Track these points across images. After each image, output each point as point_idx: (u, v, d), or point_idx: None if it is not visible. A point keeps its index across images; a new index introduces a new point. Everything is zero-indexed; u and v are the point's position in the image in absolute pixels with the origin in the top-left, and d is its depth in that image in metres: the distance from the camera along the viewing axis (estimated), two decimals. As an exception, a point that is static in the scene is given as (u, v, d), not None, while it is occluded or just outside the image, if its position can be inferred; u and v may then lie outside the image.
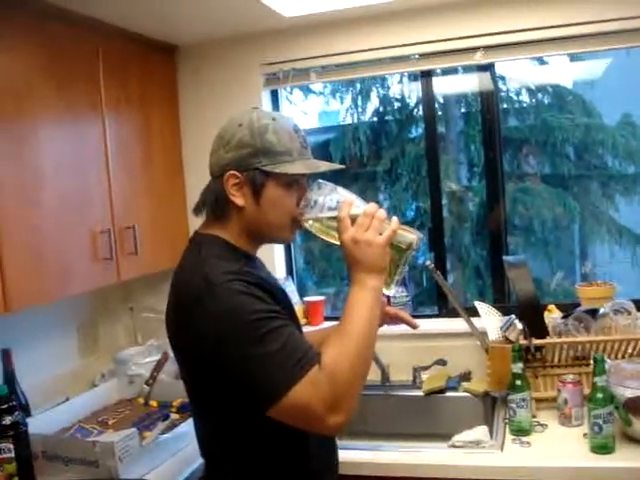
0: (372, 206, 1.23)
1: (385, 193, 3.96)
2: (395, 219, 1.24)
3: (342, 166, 1.38)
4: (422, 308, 3.46)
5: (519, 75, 3.68)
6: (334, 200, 1.26)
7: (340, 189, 1.27)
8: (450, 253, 3.69)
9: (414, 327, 1.58)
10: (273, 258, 2.76)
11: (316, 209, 1.26)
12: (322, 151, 3.86)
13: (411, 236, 1.24)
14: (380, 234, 1.20)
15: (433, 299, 2.87)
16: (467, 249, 3.79)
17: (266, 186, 1.25)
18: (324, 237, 1.30)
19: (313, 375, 1.12)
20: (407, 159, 3.83)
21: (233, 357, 1.12)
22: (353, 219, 1.21)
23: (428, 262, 2.33)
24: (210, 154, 1.31)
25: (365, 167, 3.95)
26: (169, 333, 1.29)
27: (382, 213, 1.22)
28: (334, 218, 1.23)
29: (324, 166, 1.30)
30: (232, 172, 1.25)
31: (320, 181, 1.28)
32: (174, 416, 2.19)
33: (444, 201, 2.83)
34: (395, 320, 1.61)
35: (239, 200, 1.26)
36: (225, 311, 1.13)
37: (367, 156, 3.91)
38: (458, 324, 2.50)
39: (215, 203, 1.28)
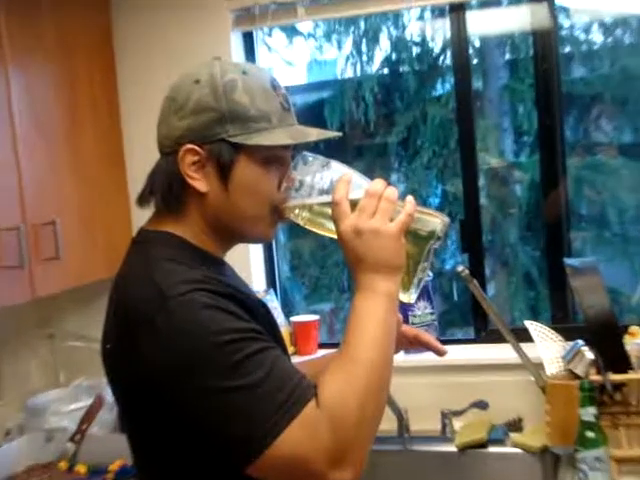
0: (378, 183, 1.26)
1: (400, 173, 3.99)
2: (411, 199, 1.27)
3: (339, 133, 1.41)
4: (452, 330, 3.59)
5: (588, 4, 3.54)
6: (326, 179, 1.30)
7: (334, 163, 1.31)
8: (490, 255, 3.74)
9: (441, 354, 1.64)
10: (248, 264, 2.86)
11: (303, 193, 1.31)
12: (313, 116, 3.86)
13: (434, 220, 1.28)
14: (391, 220, 1.23)
15: (467, 318, 2.92)
16: (514, 249, 3.83)
17: (236, 164, 1.29)
18: (316, 230, 1.34)
19: (309, 416, 1.15)
20: (430, 126, 3.84)
21: (198, 394, 1.15)
22: (354, 204, 1.24)
23: (460, 267, 2.38)
24: (158, 124, 1.35)
25: (372, 138, 3.97)
26: (106, 367, 1.32)
27: (392, 192, 1.25)
28: (328, 203, 1.27)
29: (314, 134, 1.34)
30: (189, 146, 1.28)
31: (307, 154, 1.33)
32: None
33: (481, 183, 2.85)
34: (415, 345, 1.66)
35: (200, 184, 1.30)
36: (185, 332, 1.15)
37: (375, 122, 3.93)
38: (503, 352, 2.57)
39: (167, 190, 1.32)
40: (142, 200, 1.37)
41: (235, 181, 1.30)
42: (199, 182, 1.30)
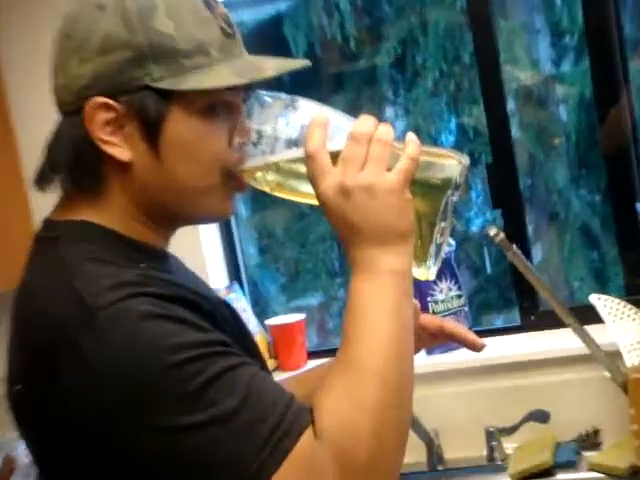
0: (364, 122, 1.22)
1: (397, 105, 3.97)
2: (413, 138, 1.22)
3: (306, 62, 1.37)
4: (490, 316, 3.57)
5: None
6: (294, 124, 1.27)
7: (302, 102, 1.29)
8: (532, 207, 3.69)
9: (478, 349, 1.59)
10: (200, 253, 2.89)
11: (264, 147, 1.28)
12: (268, 37, 3.84)
13: (448, 162, 1.24)
14: (388, 170, 1.20)
15: (509, 297, 2.95)
16: (564, 196, 3.79)
17: (168, 118, 1.26)
18: (288, 195, 1.33)
19: (305, 452, 1.11)
20: (433, 37, 3.79)
21: (147, 439, 1.11)
22: (335, 155, 1.21)
23: (492, 229, 2.34)
24: (53, 72, 1.32)
25: (355, 61, 3.92)
26: (17, 416, 1.27)
27: (386, 132, 1.21)
28: (300, 158, 1.24)
29: (272, 67, 1.30)
30: (99, 100, 1.24)
31: (262, 94, 1.30)
32: None
33: (510, 108, 2.89)
34: (441, 341, 1.65)
35: (120, 151, 1.26)
36: (122, 354, 1.12)
37: (356, 39, 3.84)
38: (562, 341, 2.56)
39: (75, 163, 1.28)
40: (41, 180, 1.33)
41: (168, 142, 1.28)
42: (118, 148, 1.27)
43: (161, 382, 1.12)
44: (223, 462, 1.11)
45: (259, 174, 1.30)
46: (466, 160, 1.24)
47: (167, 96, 1.25)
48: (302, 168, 1.24)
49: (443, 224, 1.26)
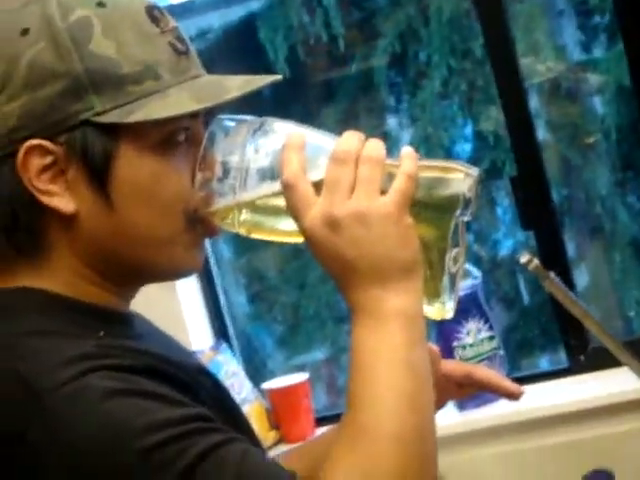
0: (348, 138, 1.06)
1: (400, 113, 3.74)
2: (409, 152, 1.07)
3: (275, 77, 1.21)
4: (530, 358, 3.37)
5: None
6: (264, 150, 1.13)
7: (272, 123, 1.14)
8: (570, 220, 3.49)
9: (515, 397, 1.45)
10: (177, 308, 2.76)
11: (232, 182, 1.14)
12: (243, 44, 3.65)
13: (454, 176, 1.10)
14: (382, 192, 1.06)
15: (551, 334, 2.92)
16: (606, 205, 3.48)
17: (117, 157, 1.12)
18: (268, 236, 1.20)
19: None
20: (436, 28, 3.52)
21: None
22: (318, 183, 1.08)
23: (525, 256, 1.97)
24: None
25: (345, 64, 3.69)
26: None
27: (375, 147, 1.07)
28: (277, 192, 1.11)
29: (236, 86, 1.17)
30: (33, 142, 1.09)
31: (223, 118, 1.17)
32: None
33: (534, 105, 2.83)
34: (470, 390, 1.51)
35: (62, 202, 1.12)
36: (84, 444, 0.97)
37: (345, 38, 3.58)
38: (619, 383, 2.36)
39: (10, 220, 1.13)
40: None
41: (119, 186, 1.13)
42: (59, 198, 1.12)
43: (133, 473, 0.99)
44: None
45: (230, 215, 1.18)
46: (475, 171, 1.09)
47: (114, 131, 1.13)
48: (281, 202, 1.12)
49: (455, 250, 1.11)
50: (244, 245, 3.38)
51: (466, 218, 1.09)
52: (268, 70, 3.26)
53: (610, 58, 3.35)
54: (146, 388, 1.04)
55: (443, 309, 1.14)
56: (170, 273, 1.27)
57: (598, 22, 3.50)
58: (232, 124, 1.18)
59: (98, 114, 1.11)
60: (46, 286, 1.16)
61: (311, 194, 1.08)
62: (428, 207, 1.11)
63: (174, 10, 2.79)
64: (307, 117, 3.57)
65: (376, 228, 1.06)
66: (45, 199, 1.12)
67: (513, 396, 1.45)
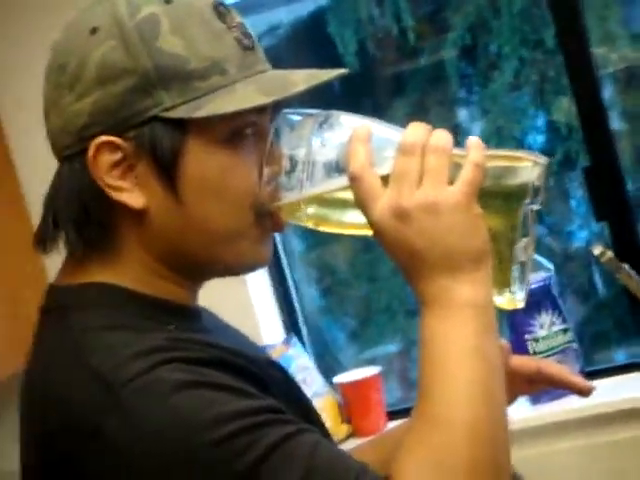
0: (415, 130, 1.09)
1: (471, 105, 3.67)
2: (476, 141, 1.07)
3: (341, 71, 1.21)
4: (605, 352, 3.25)
5: None
6: (330, 144, 1.15)
7: (337, 116, 1.16)
8: None
9: (585, 393, 1.46)
10: (247, 303, 2.76)
11: (299, 175, 1.16)
12: (312, 38, 3.59)
13: (522, 165, 1.12)
14: (450, 183, 1.07)
15: (627, 327, 2.85)
16: None
17: (185, 152, 1.14)
18: (336, 229, 1.22)
19: None
20: (507, 19, 3.41)
21: None
22: (386, 176, 1.09)
23: (598, 248, 2.21)
24: (45, 113, 1.21)
25: (415, 57, 3.60)
26: None
27: (442, 138, 1.08)
28: (344, 185, 1.12)
29: (303, 79, 1.17)
30: (103, 139, 1.12)
31: (288, 115, 1.20)
32: None
33: (609, 95, 2.79)
34: (541, 385, 1.51)
35: (132, 197, 1.15)
36: (157, 435, 1.00)
37: (416, 31, 3.48)
38: None
39: (82, 215, 1.16)
40: (42, 241, 1.21)
41: (188, 180, 1.15)
42: (129, 194, 1.14)
43: (205, 463, 1.01)
44: None
45: (298, 209, 1.20)
46: (543, 160, 1.10)
47: (182, 126, 1.14)
48: (348, 195, 1.14)
49: (525, 240, 1.14)
50: (315, 239, 3.34)
51: (536, 207, 1.10)
52: (338, 64, 3.01)
53: None
54: (215, 380, 1.05)
55: (514, 299, 1.14)
56: (238, 267, 1.26)
57: None
58: (298, 118, 1.19)
59: (166, 110, 1.12)
60: (117, 281, 1.18)
61: (378, 186, 1.08)
62: (497, 196, 1.12)
63: (244, 6, 2.70)
64: (377, 111, 3.51)
65: (445, 218, 1.07)
66: (115, 195, 1.13)
67: (583, 392, 1.44)
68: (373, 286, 3.59)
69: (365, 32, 3.50)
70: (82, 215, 1.17)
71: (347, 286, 3.63)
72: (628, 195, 2.62)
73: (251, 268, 1.28)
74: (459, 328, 1.09)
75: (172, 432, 1.03)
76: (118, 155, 1.14)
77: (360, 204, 1.10)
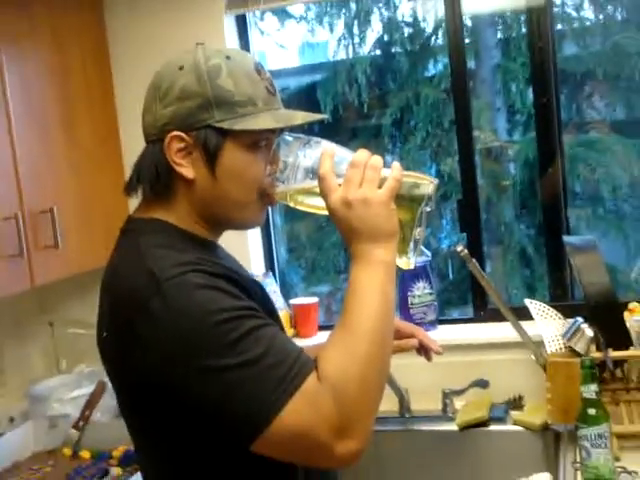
0: (362, 153, 1.26)
1: (394, 154, 4.00)
2: (397, 165, 1.27)
3: (324, 116, 1.44)
4: (450, 309, 3.59)
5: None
6: (309, 156, 1.29)
7: (316, 140, 1.31)
8: (486, 233, 3.68)
9: (429, 357, 1.68)
10: (246, 248, 2.88)
11: (288, 174, 1.31)
12: (306, 98, 3.91)
13: (422, 182, 1.28)
14: (379, 187, 1.24)
15: (465, 297, 2.93)
16: (509, 227, 3.84)
17: (223, 149, 1.30)
18: (308, 209, 1.35)
19: (311, 388, 1.15)
20: (423, 106, 3.83)
21: (197, 375, 1.15)
22: (340, 177, 1.25)
23: (459, 247, 2.39)
24: (143, 112, 1.35)
25: (366, 119, 3.96)
26: (103, 356, 1.33)
27: (377, 160, 1.25)
28: (314, 184, 1.28)
29: (300, 117, 1.34)
30: (175, 133, 1.29)
31: (285, 135, 1.33)
32: (115, 470, 2.26)
33: (476, 161, 2.89)
34: (411, 344, 1.66)
35: (188, 171, 1.30)
36: (181, 314, 1.16)
37: (368, 104, 3.91)
38: (502, 331, 2.60)
39: (155, 178, 1.32)
40: (129, 189, 1.37)
41: (222, 167, 1.30)
42: (186, 169, 1.30)
43: (207, 335, 1.15)
44: (250, 394, 1.14)
45: (285, 196, 1.34)
46: (436, 180, 1.28)
47: (224, 134, 1.29)
48: (316, 189, 1.27)
49: (419, 228, 1.29)
50: (288, 218, 3.57)
51: (428, 209, 1.27)
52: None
53: (523, 141, 3.57)
54: (221, 286, 1.21)
55: (408, 262, 1.31)
56: (242, 225, 1.42)
57: (518, 119, 3.67)
58: (291, 138, 1.32)
59: (217, 122, 1.28)
60: (169, 219, 1.34)
61: (335, 184, 1.24)
62: (406, 199, 1.27)
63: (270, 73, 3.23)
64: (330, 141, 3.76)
65: (373, 209, 1.22)
66: (177, 168, 1.30)
67: (427, 355, 1.66)
68: (319, 251, 3.96)
69: (338, 100, 3.83)
70: (155, 177, 1.32)
71: (303, 250, 4.02)
72: (480, 220, 2.84)
73: (251, 226, 1.45)
74: (373, 275, 1.23)
75: (193, 312, 1.16)
76: (182, 144, 1.29)
77: (323, 195, 1.25)
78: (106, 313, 1.30)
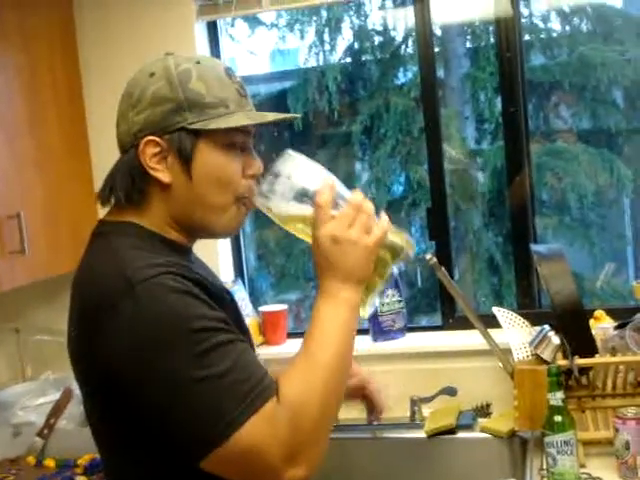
0: (358, 195, 1.29)
1: (364, 161, 4.04)
2: (385, 217, 1.31)
3: (297, 115, 1.49)
4: (419, 317, 3.60)
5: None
6: (306, 178, 1.29)
7: (318, 165, 1.32)
8: (455, 240, 3.76)
9: (371, 419, 1.75)
10: (216, 254, 2.87)
11: (280, 187, 1.29)
12: (276, 104, 3.94)
13: (402, 240, 1.32)
14: (367, 234, 1.27)
15: (433, 304, 2.98)
16: (477, 235, 3.87)
17: (198, 151, 1.31)
18: (288, 228, 1.34)
19: (270, 411, 1.16)
20: (393, 114, 3.89)
21: (161, 381, 1.16)
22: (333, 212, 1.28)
23: (429, 255, 2.38)
24: (117, 121, 1.36)
25: (336, 126, 4.01)
26: (72, 357, 1.31)
27: (371, 206, 1.29)
28: (306, 202, 1.29)
29: (271, 116, 1.36)
30: (149, 138, 1.30)
31: (290, 151, 1.32)
32: (80, 479, 2.24)
33: (445, 169, 2.91)
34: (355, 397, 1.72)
35: (163, 175, 1.31)
36: (151, 317, 1.16)
37: (338, 111, 3.98)
38: (471, 339, 2.59)
39: (130, 184, 1.32)
40: (102, 197, 1.37)
41: (198, 169, 1.31)
42: (162, 173, 1.31)
43: (177, 341, 1.16)
44: (210, 408, 1.14)
45: (269, 204, 1.32)
46: (413, 242, 1.33)
47: (197, 135, 1.31)
48: (306, 212, 1.28)
49: (384, 282, 1.35)
50: (257, 225, 3.61)
51: (395, 269, 1.34)
52: (290, 125, 3.52)
53: (491, 150, 3.65)
54: (195, 292, 1.21)
55: (365, 312, 1.34)
56: (220, 231, 1.41)
57: (486, 128, 3.75)
58: (294, 154, 1.32)
59: (189, 124, 1.30)
60: (142, 223, 1.34)
61: (329, 217, 1.26)
62: (383, 252, 1.31)
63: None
64: (309, 156, 3.79)
65: (357, 252, 1.26)
66: (153, 173, 1.31)
67: (372, 416, 1.74)
68: (288, 258, 3.99)
69: (308, 107, 3.86)
70: (130, 184, 1.32)
71: (272, 256, 4.01)
72: (449, 228, 2.85)
73: (227, 233, 1.45)
74: (338, 312, 1.26)
75: (166, 317, 1.16)
76: (157, 149, 1.30)
77: (315, 222, 1.26)
78: (74, 313, 1.30)
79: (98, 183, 1.38)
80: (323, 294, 1.28)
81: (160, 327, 1.16)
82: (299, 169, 1.30)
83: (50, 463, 2.38)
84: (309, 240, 1.30)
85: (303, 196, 1.29)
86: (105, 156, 1.40)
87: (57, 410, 2.44)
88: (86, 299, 1.27)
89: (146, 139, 1.30)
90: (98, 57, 2.82)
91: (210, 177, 1.32)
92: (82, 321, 1.27)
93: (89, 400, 1.33)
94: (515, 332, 2.42)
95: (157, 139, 1.30)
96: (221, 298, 1.32)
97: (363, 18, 3.98)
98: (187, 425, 1.15)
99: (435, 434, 2.49)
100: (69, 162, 2.70)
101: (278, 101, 4.01)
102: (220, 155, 1.33)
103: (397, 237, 1.32)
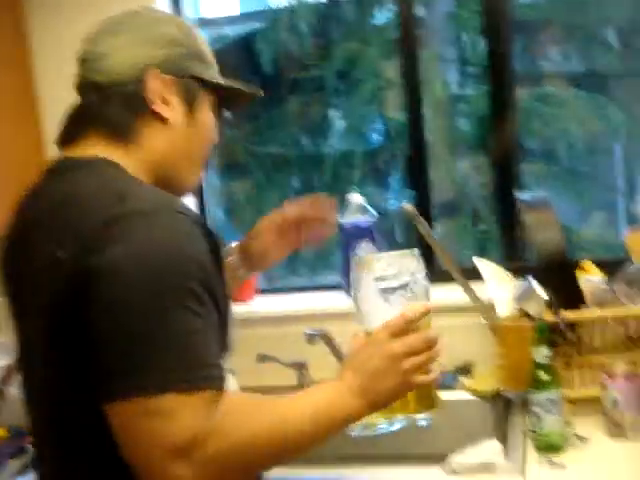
0: (434, 335, 1.27)
1: (339, 108, 4.00)
2: (438, 370, 1.30)
3: (260, 92, 1.51)
4: None
5: None
6: (394, 273, 1.30)
7: (425, 286, 1.34)
8: (436, 192, 3.66)
9: (326, 232, 1.76)
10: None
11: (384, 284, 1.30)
12: (244, 50, 3.87)
13: (437, 400, 1.32)
14: (418, 373, 1.26)
15: None
16: (459, 185, 3.84)
17: (200, 101, 1.37)
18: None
19: (207, 400, 1.13)
20: (369, 57, 3.84)
21: (146, 312, 1.11)
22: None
23: (407, 205, 2.33)
24: (106, 53, 1.32)
25: (308, 71, 3.96)
26: (43, 285, 1.21)
27: (440, 350, 1.28)
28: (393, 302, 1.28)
29: (245, 87, 1.46)
30: (164, 76, 1.32)
31: (416, 251, 1.36)
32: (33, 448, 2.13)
33: (426, 115, 2.87)
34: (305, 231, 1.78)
35: (167, 110, 1.33)
36: (164, 252, 1.13)
37: (310, 55, 3.95)
38: (450, 293, 2.52)
39: (125, 116, 1.31)
40: (67, 136, 1.34)
41: (197, 118, 1.37)
42: (165, 107, 1.32)
43: (170, 293, 1.12)
44: (158, 358, 1.10)
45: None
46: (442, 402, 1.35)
47: (203, 86, 1.37)
48: (382, 304, 1.28)
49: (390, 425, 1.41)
50: (225, 177, 3.58)
51: (409, 420, 1.45)
52: (259, 68, 3.59)
53: (475, 96, 3.59)
54: (214, 256, 1.19)
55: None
56: (183, 186, 1.40)
57: (471, 71, 3.70)
58: (418, 256, 1.38)
59: (196, 73, 1.36)
60: (123, 164, 1.29)
61: (397, 334, 1.23)
62: (416, 399, 1.30)
63: (204, 22, 3.02)
64: (278, 103, 3.76)
65: (400, 386, 1.25)
66: (156, 107, 1.32)
67: (325, 228, 1.75)
68: (259, 214, 3.83)
69: (279, 50, 3.85)
70: (125, 116, 1.31)
71: (242, 211, 3.94)
72: (429, 178, 2.83)
73: (186, 191, 1.44)
74: (337, 410, 1.24)
75: (176, 265, 1.14)
76: (167, 87, 1.33)
77: (382, 327, 1.25)
78: (66, 232, 1.19)
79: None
80: (337, 383, 1.26)
81: (167, 269, 1.12)
82: (410, 276, 1.33)
83: (1, 432, 2.36)
84: None
85: (382, 299, 1.28)
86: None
87: (7, 377, 2.39)
88: (85, 218, 1.18)
89: (163, 76, 1.32)
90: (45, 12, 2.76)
91: (203, 128, 1.38)
92: (78, 241, 1.16)
93: (51, 343, 1.22)
94: (499, 285, 2.36)
95: (167, 77, 1.32)
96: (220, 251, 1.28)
97: (338, -47, 4.03)
98: (130, 361, 1.10)
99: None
100: (14, 128, 2.56)
101: (246, 45, 3.92)
102: (211, 113, 1.40)
103: (435, 392, 1.32)
